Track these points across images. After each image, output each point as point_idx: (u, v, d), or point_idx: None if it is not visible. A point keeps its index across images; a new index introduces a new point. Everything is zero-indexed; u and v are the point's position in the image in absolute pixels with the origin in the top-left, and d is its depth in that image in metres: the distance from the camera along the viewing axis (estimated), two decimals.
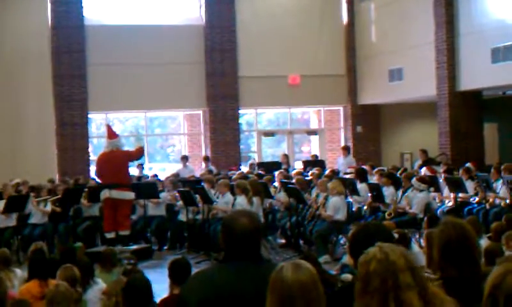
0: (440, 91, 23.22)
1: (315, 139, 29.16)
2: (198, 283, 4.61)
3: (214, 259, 16.03)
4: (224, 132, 26.49)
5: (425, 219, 14.15)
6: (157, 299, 7.76)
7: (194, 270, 6.89)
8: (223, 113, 26.47)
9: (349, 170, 22.44)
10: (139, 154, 18.53)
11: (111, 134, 18.13)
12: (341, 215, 16.60)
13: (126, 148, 18.77)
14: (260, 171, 22.04)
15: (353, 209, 18.35)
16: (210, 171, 23.06)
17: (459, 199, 17.56)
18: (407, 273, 3.61)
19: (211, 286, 4.45)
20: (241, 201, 16.69)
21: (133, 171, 20.37)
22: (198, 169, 25.32)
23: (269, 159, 27.70)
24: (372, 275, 3.65)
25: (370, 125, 28.10)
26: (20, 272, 10.44)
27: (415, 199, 16.85)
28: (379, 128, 28.21)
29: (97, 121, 27.04)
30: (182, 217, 18.72)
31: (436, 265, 4.93)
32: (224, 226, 4.64)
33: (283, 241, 18.54)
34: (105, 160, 17.62)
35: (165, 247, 19.01)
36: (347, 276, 10.31)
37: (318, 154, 27.47)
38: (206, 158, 25.39)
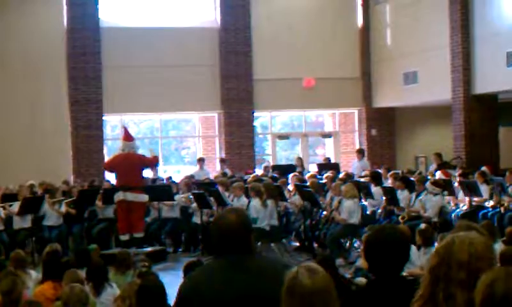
0: (455, 95, 23.15)
1: (329, 142, 29.11)
2: (195, 280, 4.73)
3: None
4: (238, 135, 26.47)
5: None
6: (172, 302, 7.77)
7: None
8: (238, 116, 26.46)
9: (363, 173, 22.41)
10: (153, 163, 18.72)
11: (127, 136, 18.21)
12: (355, 219, 16.56)
13: (140, 151, 18.83)
14: (274, 174, 22.02)
15: (367, 212, 18.34)
16: (224, 174, 23.08)
17: (473, 203, 17.51)
18: (463, 270, 3.53)
19: (206, 282, 4.58)
20: (255, 203, 16.71)
21: (148, 173, 20.39)
22: (212, 171, 25.35)
23: (283, 162, 27.65)
24: (434, 255, 3.62)
25: (385, 128, 28.04)
26: (34, 274, 10.49)
27: (429, 203, 16.82)
28: (393, 132, 28.14)
29: (112, 123, 27.12)
30: (197, 219, 18.74)
31: None
32: (213, 222, 4.81)
33: (297, 244, 18.54)
34: (121, 162, 17.69)
35: (179, 250, 19.05)
36: (362, 280, 10.31)
37: (332, 157, 27.40)
38: (222, 160, 25.42)
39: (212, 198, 18.06)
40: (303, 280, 3.86)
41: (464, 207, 17.61)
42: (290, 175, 20.82)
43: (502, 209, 16.73)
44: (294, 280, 3.88)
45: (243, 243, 4.61)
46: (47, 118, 24.52)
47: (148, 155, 18.54)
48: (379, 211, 18.09)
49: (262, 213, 16.55)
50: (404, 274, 5.11)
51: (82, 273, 9.40)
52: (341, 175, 20.72)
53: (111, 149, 25.39)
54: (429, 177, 18.98)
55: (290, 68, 26.63)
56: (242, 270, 4.52)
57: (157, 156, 18.60)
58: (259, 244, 16.07)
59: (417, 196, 17.32)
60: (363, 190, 18.30)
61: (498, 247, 9.76)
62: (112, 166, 18.41)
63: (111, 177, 21.12)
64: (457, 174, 19.78)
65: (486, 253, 3.59)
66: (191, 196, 19.04)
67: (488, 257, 3.56)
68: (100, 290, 9.23)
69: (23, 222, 17.99)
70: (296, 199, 18.57)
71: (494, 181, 17.67)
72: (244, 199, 17.56)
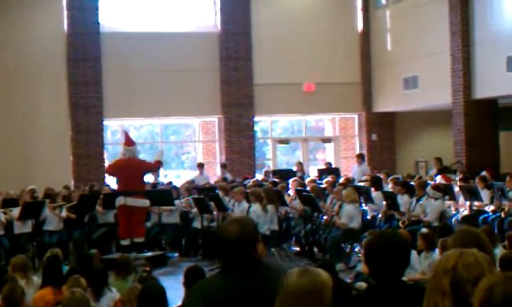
0: (455, 99, 23.15)
1: (329, 146, 29.11)
2: (199, 292, 4.65)
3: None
4: (239, 140, 26.47)
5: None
6: (172, 306, 7.77)
7: None
8: (238, 120, 26.46)
9: (364, 178, 22.41)
10: (155, 167, 18.77)
11: (128, 141, 18.23)
12: (355, 223, 16.57)
13: (141, 156, 18.86)
14: (274, 179, 22.02)
15: (368, 217, 18.34)
16: (225, 179, 23.08)
17: (474, 208, 17.50)
18: (446, 277, 3.49)
19: (209, 295, 4.49)
20: (256, 208, 16.71)
21: (148, 178, 20.41)
22: (212, 176, 25.35)
23: (283, 167, 27.68)
24: (442, 259, 3.63)
25: (385, 132, 28.04)
26: (36, 279, 10.49)
27: (429, 207, 16.80)
28: (394, 136, 28.15)
29: (112, 128, 27.12)
30: (197, 224, 18.74)
31: None
32: (214, 235, 4.71)
33: (297, 249, 18.55)
34: (122, 167, 17.73)
35: (176, 254, 19.04)
36: (362, 284, 10.33)
37: (333, 162, 27.42)
38: (223, 166, 25.41)
39: (212, 203, 18.06)
40: (290, 280, 3.92)
41: (464, 212, 17.60)
42: (291, 180, 20.82)
43: (503, 214, 16.73)
44: (284, 280, 3.96)
45: (243, 257, 4.49)
46: (47, 122, 24.52)
47: (158, 154, 18.67)
48: (380, 216, 18.08)
49: (262, 218, 16.54)
50: (405, 279, 5.10)
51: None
52: (341, 180, 20.73)
53: (111, 154, 25.39)
54: (429, 182, 18.97)
55: (291, 72, 26.64)
56: (243, 287, 4.43)
57: (160, 161, 18.60)
58: None
59: (418, 200, 17.29)
60: (363, 194, 18.30)
61: (499, 251, 9.76)
62: (113, 171, 18.46)
63: (111, 182, 21.12)
64: (457, 178, 19.77)
65: (477, 264, 3.54)
66: (191, 201, 19.04)
67: (479, 267, 3.52)
68: (99, 295, 9.23)
69: (24, 227, 17.99)
70: (297, 203, 18.57)
71: (494, 186, 17.66)
72: (244, 204, 17.56)
